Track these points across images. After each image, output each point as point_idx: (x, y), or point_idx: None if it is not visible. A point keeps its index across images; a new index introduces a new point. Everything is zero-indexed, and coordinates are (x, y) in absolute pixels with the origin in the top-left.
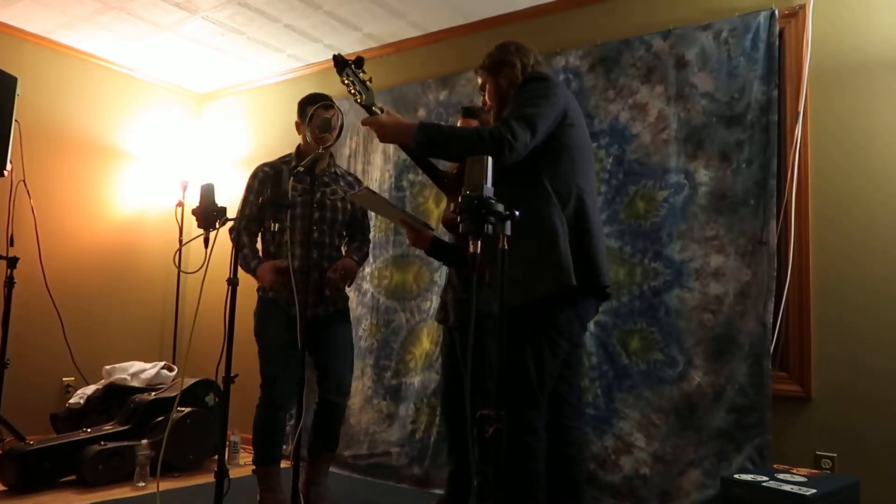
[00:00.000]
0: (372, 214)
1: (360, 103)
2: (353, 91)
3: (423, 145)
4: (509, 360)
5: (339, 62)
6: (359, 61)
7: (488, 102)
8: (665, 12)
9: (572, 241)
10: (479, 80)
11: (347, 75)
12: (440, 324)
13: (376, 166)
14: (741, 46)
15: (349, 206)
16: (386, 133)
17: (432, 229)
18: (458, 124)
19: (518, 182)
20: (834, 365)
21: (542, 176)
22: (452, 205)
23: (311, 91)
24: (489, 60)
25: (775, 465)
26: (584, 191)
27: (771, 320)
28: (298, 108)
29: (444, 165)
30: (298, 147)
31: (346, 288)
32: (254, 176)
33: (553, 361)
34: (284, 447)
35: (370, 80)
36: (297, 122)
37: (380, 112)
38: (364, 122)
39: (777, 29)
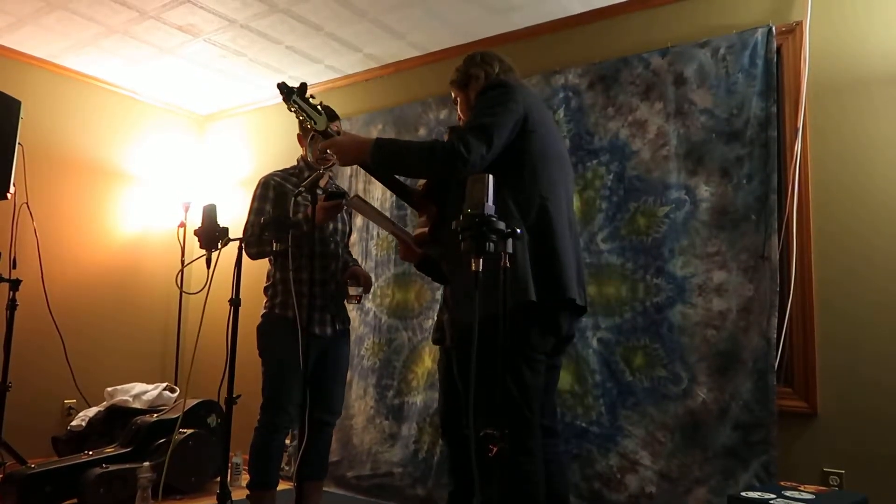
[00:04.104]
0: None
1: (313, 129)
2: (302, 118)
3: (378, 162)
4: (490, 382)
5: (284, 91)
6: (302, 87)
7: (461, 117)
8: (663, 30)
9: (533, 256)
10: (452, 95)
11: (294, 103)
12: (436, 344)
13: (377, 185)
14: (739, 63)
15: (347, 218)
16: (346, 154)
17: None
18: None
19: None
20: (839, 380)
21: (502, 188)
22: (422, 220)
23: None
24: (458, 74)
25: (782, 483)
26: (548, 201)
27: (775, 335)
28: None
29: (412, 182)
30: (305, 158)
31: (358, 303)
32: (266, 185)
33: (534, 378)
34: (287, 467)
35: (320, 104)
36: (298, 135)
37: (336, 134)
38: (322, 146)
39: (774, 45)
